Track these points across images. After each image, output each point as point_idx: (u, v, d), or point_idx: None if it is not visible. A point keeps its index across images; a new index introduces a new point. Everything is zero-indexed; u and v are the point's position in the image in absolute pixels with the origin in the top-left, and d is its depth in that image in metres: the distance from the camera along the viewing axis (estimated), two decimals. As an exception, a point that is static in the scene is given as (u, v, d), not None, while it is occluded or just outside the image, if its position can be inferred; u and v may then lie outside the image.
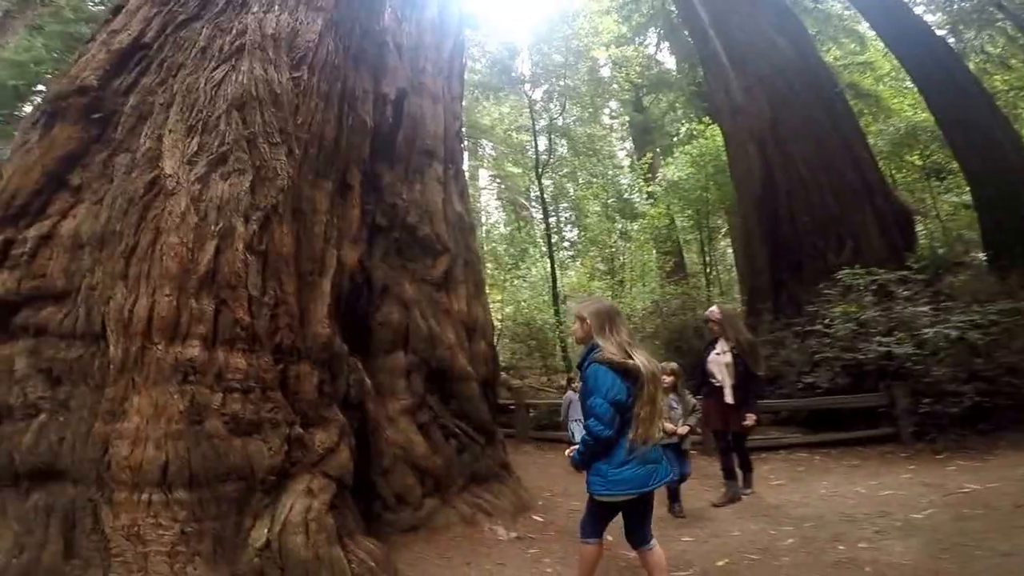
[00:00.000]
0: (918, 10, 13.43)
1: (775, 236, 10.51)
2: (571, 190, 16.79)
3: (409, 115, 5.53)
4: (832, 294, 8.59)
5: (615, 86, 14.73)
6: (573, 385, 7.53)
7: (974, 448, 6.40)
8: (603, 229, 15.80)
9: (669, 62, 18.48)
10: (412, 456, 4.41)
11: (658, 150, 17.36)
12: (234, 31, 3.89)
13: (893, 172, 13.17)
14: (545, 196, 14.58)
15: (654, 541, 3.20)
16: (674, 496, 5.11)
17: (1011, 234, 9.23)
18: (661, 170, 16.20)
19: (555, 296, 13.95)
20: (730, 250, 17.02)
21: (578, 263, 16.32)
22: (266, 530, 2.89)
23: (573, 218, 16.23)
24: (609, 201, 16.14)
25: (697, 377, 5.81)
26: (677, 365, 5.37)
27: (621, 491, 2.95)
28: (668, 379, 4.70)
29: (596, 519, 3.15)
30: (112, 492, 2.78)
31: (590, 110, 16.44)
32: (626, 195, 16.74)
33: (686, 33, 14.39)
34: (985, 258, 9.84)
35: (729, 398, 5.42)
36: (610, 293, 14.85)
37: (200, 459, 2.86)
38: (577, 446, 3.07)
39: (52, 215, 3.41)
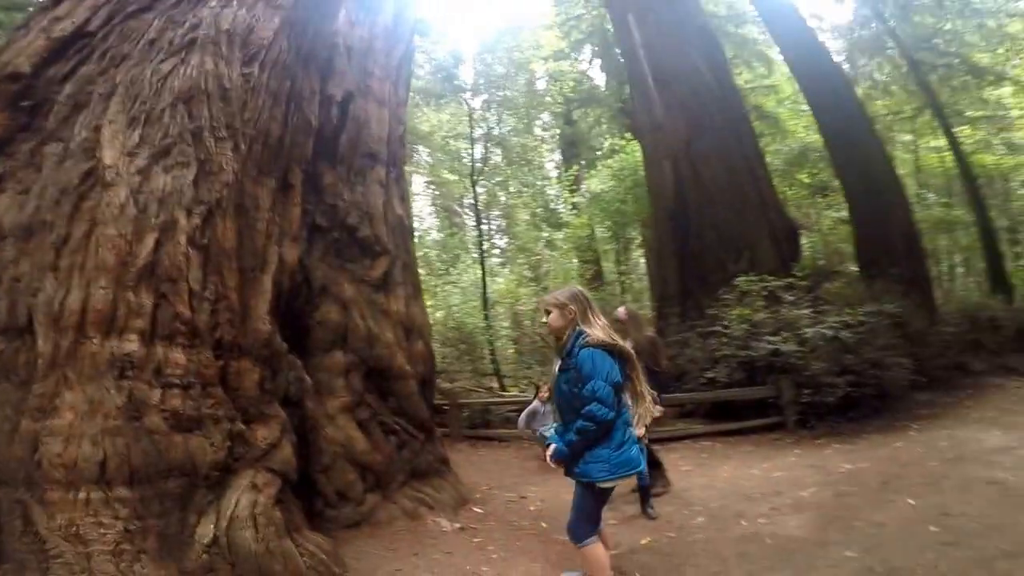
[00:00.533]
0: (823, 36, 14.66)
1: (684, 247, 11.20)
2: (503, 199, 17.01)
3: (354, 117, 5.42)
4: (730, 299, 9.30)
5: (549, 99, 15.10)
6: (540, 395, 7.08)
7: (846, 433, 7.16)
8: (531, 238, 16.11)
9: (599, 78, 19.38)
10: (352, 453, 4.32)
11: (583, 163, 18.02)
12: (187, 24, 3.68)
13: (785, 189, 14.43)
14: (478, 204, 14.68)
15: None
16: (646, 495, 4.78)
17: (879, 247, 10.45)
18: (585, 182, 16.84)
19: (485, 301, 14.04)
20: (642, 260, 17.98)
21: (507, 270, 16.55)
22: (212, 526, 2.77)
23: (504, 226, 16.44)
24: (537, 211, 16.54)
25: None
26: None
27: (625, 472, 2.87)
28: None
29: (592, 512, 2.97)
30: (44, 492, 2.56)
31: (525, 121, 16.79)
32: (552, 205, 17.20)
33: (618, 52, 15.11)
34: (857, 268, 11.06)
35: None
36: (535, 299, 15.25)
37: (140, 456, 2.70)
38: (554, 444, 2.94)
39: None
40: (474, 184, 13.63)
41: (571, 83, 15.68)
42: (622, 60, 14.12)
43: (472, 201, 13.78)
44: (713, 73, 11.11)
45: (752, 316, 8.76)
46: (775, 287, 9.16)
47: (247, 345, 3.36)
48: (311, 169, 4.85)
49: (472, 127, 14.17)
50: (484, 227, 16.36)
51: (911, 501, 4.37)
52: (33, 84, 3.36)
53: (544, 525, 4.67)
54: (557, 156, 21.25)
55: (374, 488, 4.35)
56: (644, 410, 2.96)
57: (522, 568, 3.76)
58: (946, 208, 15.62)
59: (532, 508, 5.29)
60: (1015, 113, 17.68)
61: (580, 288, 3.14)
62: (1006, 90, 16.51)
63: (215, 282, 3.20)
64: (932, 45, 14.02)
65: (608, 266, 18.05)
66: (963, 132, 15.53)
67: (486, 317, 13.98)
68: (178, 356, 2.94)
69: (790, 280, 9.23)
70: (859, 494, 4.83)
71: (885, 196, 10.73)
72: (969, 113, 15.89)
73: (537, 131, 18.93)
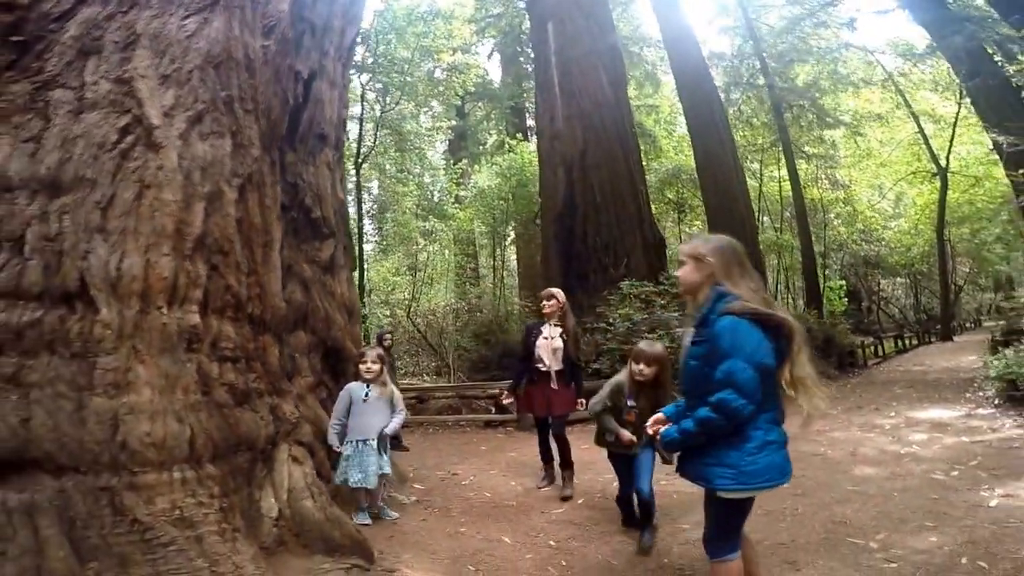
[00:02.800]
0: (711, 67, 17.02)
1: (569, 249, 12.60)
2: (388, 185, 16.93)
3: (315, 98, 5.47)
4: (614, 299, 10.89)
5: (447, 90, 15.40)
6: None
7: None
8: (413, 227, 16.35)
9: (494, 73, 20.10)
10: (322, 432, 4.54)
11: (468, 156, 18.68)
12: None
13: (653, 204, 16.76)
14: (360, 187, 14.49)
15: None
16: (648, 516, 3.90)
17: (731, 264, 12.89)
18: (473, 177, 17.55)
19: (361, 288, 14.01)
20: (514, 257, 19.35)
21: (386, 257, 16.57)
22: (273, 499, 2.93)
23: (387, 213, 16.36)
24: (422, 201, 16.78)
25: (516, 365, 5.80)
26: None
27: (758, 484, 2.27)
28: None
29: (731, 526, 2.44)
30: (135, 475, 2.48)
31: (423, 109, 16.83)
32: (436, 196, 17.58)
33: (521, 54, 16.02)
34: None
35: (555, 384, 5.37)
36: (411, 289, 15.59)
37: (217, 431, 2.78)
38: (670, 425, 2.46)
39: None
40: (358, 166, 13.47)
41: (473, 77, 16.24)
42: (527, 65, 15.17)
43: (354, 183, 13.60)
44: (613, 89, 12.65)
45: (633, 316, 10.40)
46: (650, 292, 10.98)
47: (268, 321, 3.51)
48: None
49: (363, 107, 13.96)
50: (365, 211, 16.18)
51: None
52: (26, 18, 3.00)
53: (488, 495, 5.38)
54: (443, 147, 21.68)
55: (335, 468, 4.61)
56: (812, 405, 2.31)
57: (493, 528, 4.42)
58: (778, 233, 19.50)
59: (466, 483, 5.91)
60: (843, 153, 22.74)
61: (730, 239, 2.47)
62: (839, 132, 21.02)
63: (247, 257, 3.32)
64: (792, 86, 17.35)
65: (481, 261, 19.03)
66: (800, 166, 19.48)
67: (363, 304, 14.00)
68: (229, 329, 3.03)
69: (661, 287, 11.12)
70: None
71: (738, 218, 13.30)
72: (807, 149, 19.97)
73: (428, 120, 19.14)
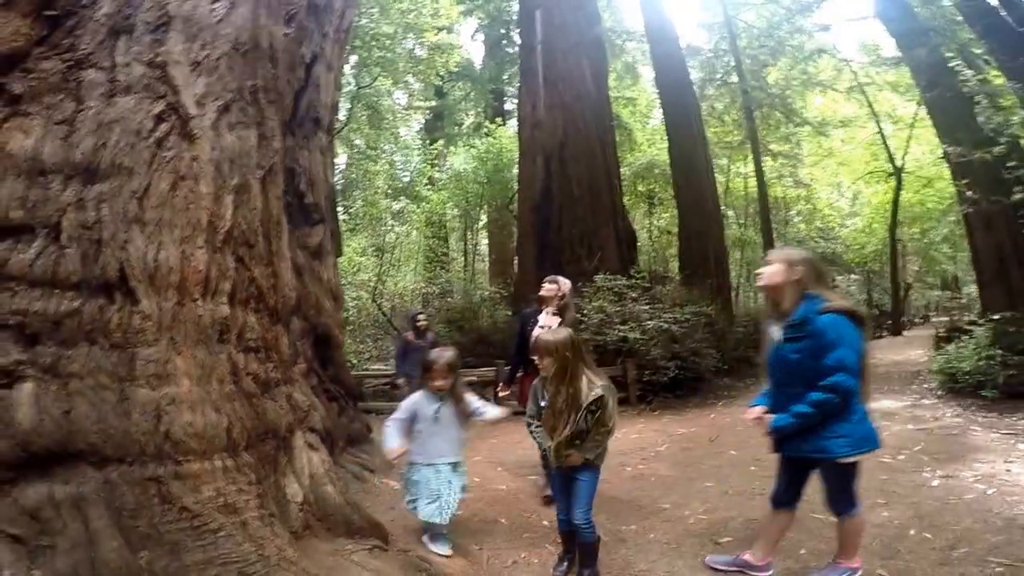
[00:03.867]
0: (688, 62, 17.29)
1: (545, 239, 12.91)
2: (358, 162, 16.65)
3: (314, 81, 5.52)
4: (588, 292, 11.27)
5: (428, 68, 15.23)
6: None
7: (675, 407, 9.58)
8: (383, 207, 16.22)
9: (477, 54, 19.89)
10: (321, 419, 4.70)
11: (444, 136, 18.60)
12: None
13: (625, 197, 17.16)
14: (333, 163, 14.25)
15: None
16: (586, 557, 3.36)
17: (698, 258, 13.50)
18: (450, 159, 17.52)
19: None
20: (485, 242, 19.48)
21: (353, 237, 16.42)
22: (296, 485, 3.10)
23: (355, 191, 16.14)
24: (393, 181, 16.63)
25: (511, 355, 5.61)
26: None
27: (868, 447, 2.84)
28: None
29: (849, 485, 2.94)
30: (180, 464, 2.59)
31: (401, 87, 16.59)
32: (409, 177, 17.45)
33: (504, 32, 16.01)
34: (679, 274, 14.06)
35: None
36: (378, 270, 15.52)
37: (249, 420, 2.92)
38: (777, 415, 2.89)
39: None
40: (330, 141, 13.25)
41: (456, 58, 16.12)
42: (510, 49, 15.15)
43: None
44: (596, 82, 12.92)
45: (606, 308, 10.80)
46: (622, 286, 11.41)
47: (281, 311, 3.65)
48: (280, 131, 4.92)
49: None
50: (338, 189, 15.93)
51: (733, 452, 6.50)
52: None
53: (476, 479, 5.67)
54: (418, 127, 21.50)
55: (328, 453, 4.78)
56: (865, 391, 2.87)
57: (488, 511, 4.72)
58: (741, 228, 20.22)
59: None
60: (806, 152, 23.51)
61: (813, 254, 3.11)
62: (805, 131, 21.78)
63: (266, 248, 3.43)
64: (764, 84, 17.89)
65: (453, 244, 19.10)
66: (766, 164, 20.13)
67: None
68: (252, 320, 3.16)
69: (633, 281, 11.57)
70: (697, 448, 6.95)
71: (708, 215, 13.87)
72: (773, 147, 20.66)
73: (403, 98, 18.94)
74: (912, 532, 3.74)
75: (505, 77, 18.15)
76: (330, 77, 5.98)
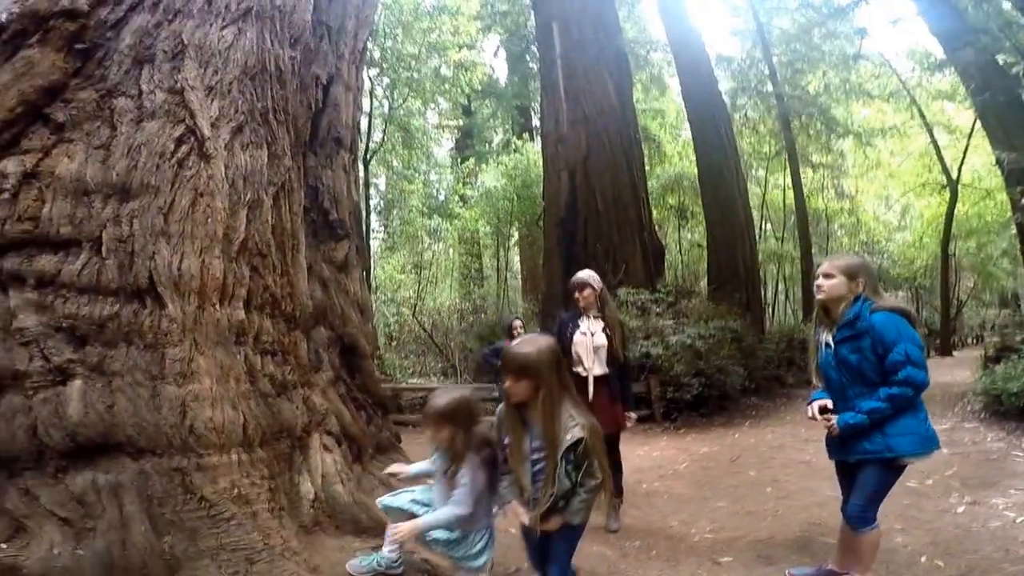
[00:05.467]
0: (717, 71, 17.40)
1: (570, 254, 13.15)
2: (395, 182, 17.43)
3: (332, 102, 5.94)
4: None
5: (453, 87, 15.87)
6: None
7: (699, 426, 9.61)
8: (419, 226, 16.87)
9: (500, 71, 20.52)
10: (343, 424, 5.00)
11: (475, 154, 19.21)
12: None
13: (656, 209, 17.27)
14: (369, 184, 14.96)
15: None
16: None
17: (727, 272, 13.51)
18: (480, 176, 18.09)
19: (369, 285, 14.47)
20: (517, 258, 19.88)
21: (392, 255, 17.12)
22: (309, 483, 3.41)
23: (393, 210, 16.87)
24: (428, 199, 17.30)
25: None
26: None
27: (933, 446, 2.92)
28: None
29: (883, 494, 2.98)
30: (201, 457, 2.93)
31: (431, 106, 17.33)
32: (443, 195, 18.11)
33: (525, 47, 16.44)
34: (708, 288, 14.06)
35: (597, 393, 4.52)
36: (417, 288, 16.12)
37: (264, 418, 3.23)
38: (847, 413, 2.90)
39: (30, 150, 3.19)
40: (367, 163, 13.92)
41: (480, 76, 16.72)
42: (532, 64, 15.55)
43: (362, 179, 14.07)
44: (618, 94, 13.19)
45: (629, 322, 10.92)
46: (646, 300, 11.50)
47: (298, 318, 3.99)
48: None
49: (372, 104, 14.40)
50: (372, 209, 16.67)
51: (752, 473, 6.56)
52: (87, 25, 3.38)
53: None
54: (450, 144, 22.27)
55: (356, 459, 5.08)
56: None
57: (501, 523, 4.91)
58: (779, 242, 19.99)
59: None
60: (851, 163, 23.03)
61: (870, 261, 3.26)
62: (847, 143, 21.36)
63: (280, 259, 3.79)
64: (802, 93, 17.73)
65: (487, 261, 19.60)
66: (806, 175, 19.81)
67: (372, 303, 14.47)
68: (267, 325, 3.51)
69: (658, 295, 11.66)
70: (717, 468, 7.02)
71: (737, 228, 13.86)
72: (815, 158, 20.35)
73: (435, 117, 19.69)
74: (923, 559, 3.67)
75: (529, 92, 18.65)
76: (349, 97, 6.38)
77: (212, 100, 3.59)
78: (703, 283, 15.07)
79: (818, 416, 3.04)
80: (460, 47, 15.75)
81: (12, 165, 3.14)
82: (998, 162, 12.19)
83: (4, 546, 2.59)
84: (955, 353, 23.68)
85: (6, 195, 3.08)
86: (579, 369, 4.53)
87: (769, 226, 23.46)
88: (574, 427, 2.39)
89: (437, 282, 18.39)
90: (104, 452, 2.83)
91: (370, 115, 14.31)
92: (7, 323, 2.92)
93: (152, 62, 3.57)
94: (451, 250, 18.87)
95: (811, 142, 20.05)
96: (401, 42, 13.18)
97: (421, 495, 3.01)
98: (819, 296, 3.09)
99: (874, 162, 24.35)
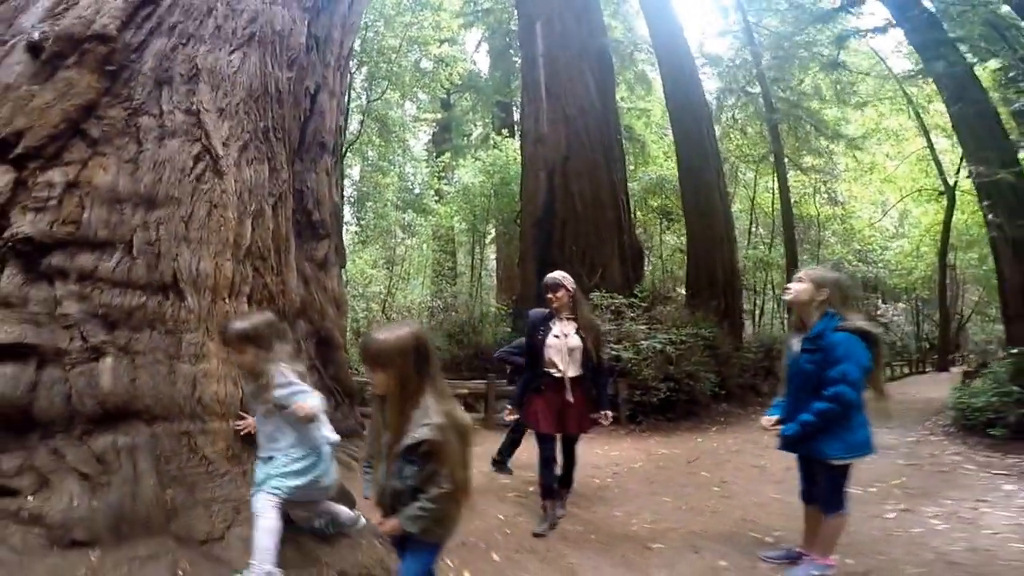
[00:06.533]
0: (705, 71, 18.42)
1: (546, 255, 14.26)
2: (369, 175, 18.35)
3: (319, 109, 7.01)
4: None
5: (433, 81, 16.81)
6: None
7: (664, 429, 10.84)
8: (392, 220, 17.82)
9: (482, 64, 21.49)
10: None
11: (452, 149, 20.28)
12: (245, 16, 4.92)
13: (636, 211, 18.44)
14: (343, 176, 15.88)
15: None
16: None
17: (705, 279, 14.72)
18: (457, 172, 19.13)
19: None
20: (493, 256, 20.98)
21: (364, 249, 18.00)
22: None
23: (367, 203, 17.79)
24: (402, 193, 18.27)
25: (524, 368, 5.51)
26: None
27: (860, 453, 3.61)
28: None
29: (840, 486, 3.68)
30: (206, 423, 3.90)
31: (409, 99, 18.27)
32: (418, 190, 19.11)
33: (511, 50, 17.41)
34: (686, 294, 15.24)
35: (571, 394, 4.99)
36: (388, 284, 17.08)
37: None
38: (787, 424, 3.73)
39: (70, 163, 4.17)
40: (341, 156, 14.86)
41: (460, 71, 17.75)
42: (516, 59, 16.52)
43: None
44: (600, 95, 14.31)
45: (602, 327, 12.11)
46: (620, 304, 12.70)
47: (288, 312, 5.06)
48: (288, 156, 6.40)
49: (350, 96, 15.25)
50: (346, 200, 17.54)
51: (705, 474, 7.72)
52: (116, 48, 4.25)
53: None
54: (427, 138, 23.30)
55: (325, 445, 6.15)
56: (881, 407, 3.71)
57: (487, 497, 5.91)
58: (766, 249, 21.16)
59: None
60: (843, 167, 23.93)
61: (844, 276, 3.89)
62: (840, 146, 22.32)
63: (276, 261, 4.86)
64: (793, 95, 18.75)
65: (461, 259, 20.64)
66: (795, 179, 20.76)
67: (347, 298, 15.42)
68: (266, 318, 4.59)
69: (633, 300, 12.86)
70: (672, 468, 8.21)
71: (717, 235, 15.07)
72: (805, 161, 21.38)
73: (412, 109, 20.62)
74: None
75: (510, 88, 19.70)
76: (333, 103, 7.47)
77: (223, 121, 4.63)
78: (684, 288, 16.23)
79: (767, 427, 4.01)
80: (441, 42, 16.72)
81: (58, 175, 4.12)
82: (970, 175, 13.23)
83: (31, 498, 3.31)
84: (952, 369, 24.48)
85: (53, 202, 4.07)
86: (552, 370, 5.03)
87: (763, 230, 24.34)
88: (423, 426, 2.35)
89: (409, 278, 19.44)
90: (124, 418, 3.71)
91: (348, 107, 15.24)
92: (52, 309, 3.86)
93: (170, 84, 4.57)
94: (424, 246, 19.88)
95: (802, 144, 21.13)
96: (382, 35, 14.12)
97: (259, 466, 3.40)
98: (784, 298, 3.84)
99: (868, 166, 25.46)
